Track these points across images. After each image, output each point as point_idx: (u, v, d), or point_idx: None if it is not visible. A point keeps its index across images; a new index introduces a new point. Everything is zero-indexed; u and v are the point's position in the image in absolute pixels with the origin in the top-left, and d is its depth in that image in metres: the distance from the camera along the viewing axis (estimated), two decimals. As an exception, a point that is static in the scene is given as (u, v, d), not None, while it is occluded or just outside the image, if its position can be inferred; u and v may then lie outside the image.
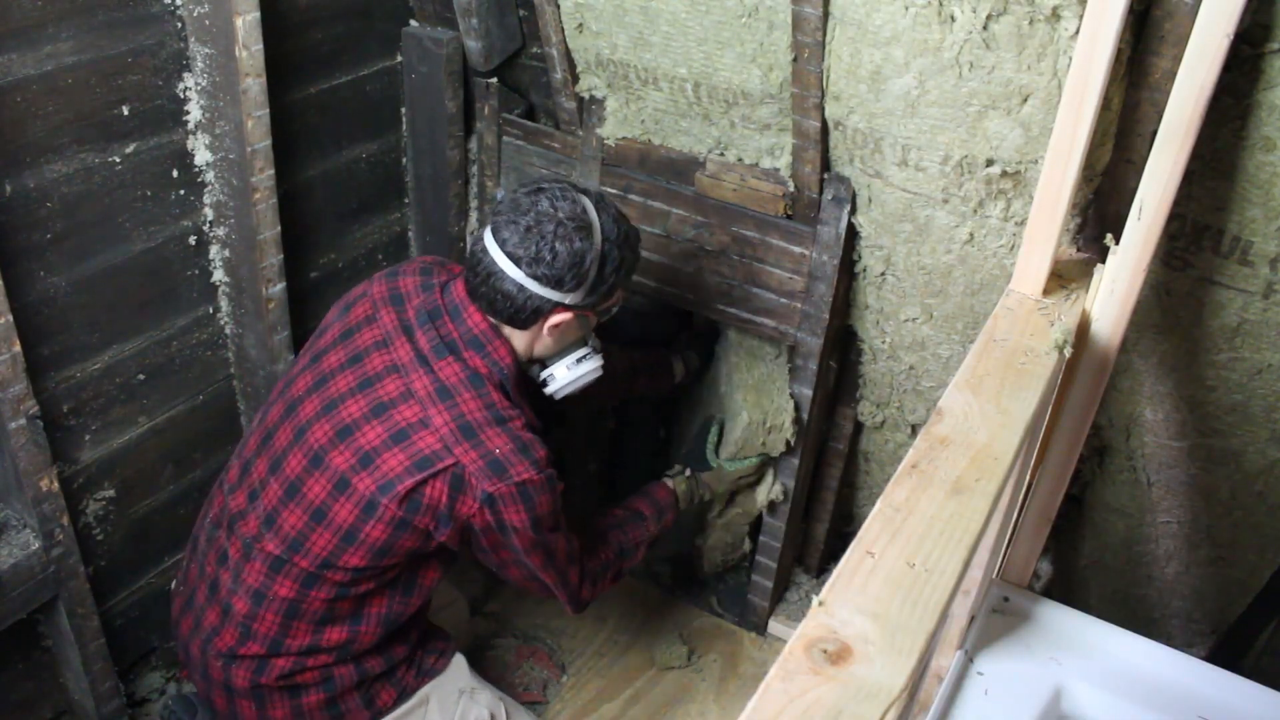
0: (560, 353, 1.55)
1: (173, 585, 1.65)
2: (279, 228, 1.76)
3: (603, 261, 1.44)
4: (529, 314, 1.44)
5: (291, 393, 1.51)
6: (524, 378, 1.54)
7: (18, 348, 1.44)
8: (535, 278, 1.41)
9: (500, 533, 1.45)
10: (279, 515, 1.44)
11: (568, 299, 1.44)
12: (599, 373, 1.57)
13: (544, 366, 1.56)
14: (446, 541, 1.45)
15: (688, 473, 1.94)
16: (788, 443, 1.94)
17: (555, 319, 1.46)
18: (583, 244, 1.41)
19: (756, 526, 2.16)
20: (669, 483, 1.90)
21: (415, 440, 1.40)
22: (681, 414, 2.25)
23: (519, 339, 1.50)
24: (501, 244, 1.41)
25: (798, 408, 1.92)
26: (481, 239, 1.44)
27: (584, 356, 1.56)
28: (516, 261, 1.40)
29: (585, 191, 1.48)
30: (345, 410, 1.44)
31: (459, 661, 1.69)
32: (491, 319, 1.47)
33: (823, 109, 1.62)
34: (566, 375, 1.55)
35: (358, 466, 1.41)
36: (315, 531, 1.42)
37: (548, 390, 1.57)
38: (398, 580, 1.52)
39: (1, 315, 1.41)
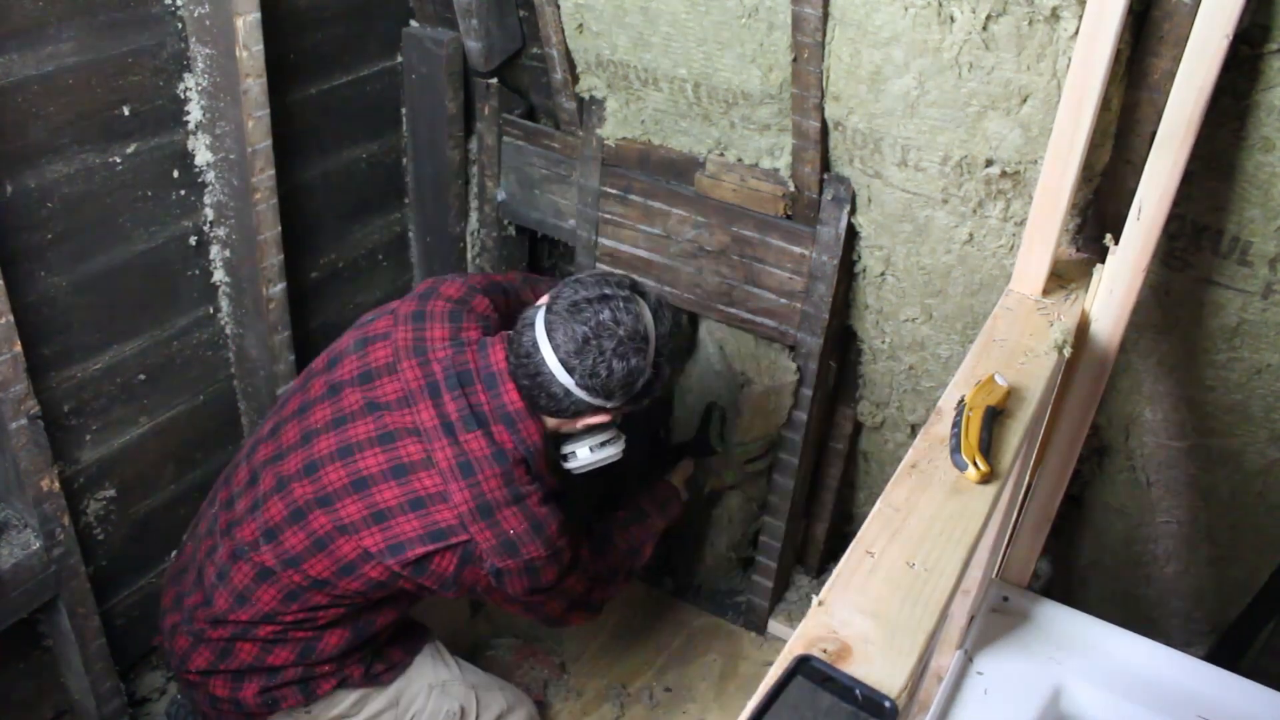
0: (587, 433, 1.55)
1: (173, 554, 1.67)
2: (279, 228, 1.76)
3: (653, 378, 1.44)
4: (570, 413, 1.44)
5: (309, 422, 1.48)
6: (549, 448, 1.54)
7: (18, 348, 1.44)
8: (585, 388, 1.39)
9: (503, 593, 1.48)
10: (281, 533, 1.44)
11: (609, 404, 1.44)
12: (619, 456, 1.58)
13: (565, 440, 1.57)
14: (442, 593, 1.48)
15: (689, 464, 1.94)
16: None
17: (593, 419, 1.47)
18: (639, 362, 1.39)
19: (757, 530, 2.16)
20: (670, 478, 1.91)
21: (432, 511, 1.40)
22: (676, 409, 2.25)
23: (550, 421, 1.49)
24: (555, 348, 1.38)
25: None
26: (533, 332, 1.39)
27: (607, 441, 1.56)
28: (570, 370, 1.38)
29: (644, 294, 1.44)
30: (363, 461, 1.42)
31: (428, 658, 1.69)
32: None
33: (823, 109, 1.62)
34: (589, 457, 1.55)
35: (370, 520, 1.41)
36: (315, 557, 1.43)
37: (566, 466, 1.57)
38: (375, 604, 1.53)
39: (2, 315, 1.41)
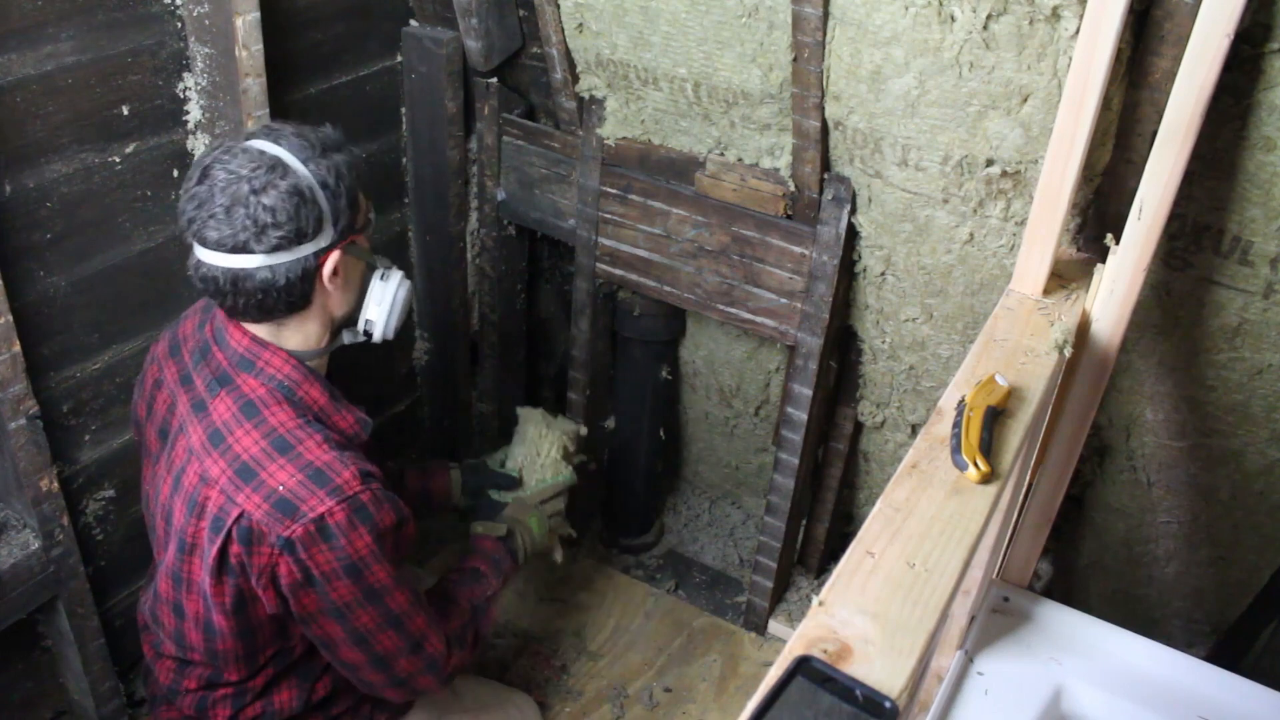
0: (360, 294, 1.38)
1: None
2: (279, 228, 1.76)
3: (324, 183, 1.24)
4: (301, 286, 1.26)
5: (144, 487, 1.45)
6: (325, 375, 1.38)
7: (18, 348, 1.44)
8: (277, 249, 1.21)
9: (313, 587, 1.24)
10: (160, 616, 1.38)
11: (323, 241, 1.26)
12: (409, 284, 1.40)
13: (346, 329, 1.40)
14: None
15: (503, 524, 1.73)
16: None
17: (328, 266, 1.28)
18: (288, 180, 1.21)
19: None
20: (490, 535, 1.70)
21: (204, 502, 1.24)
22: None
23: (310, 322, 1.33)
24: (219, 245, 1.21)
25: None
26: (193, 258, 1.25)
27: (382, 276, 1.38)
28: (244, 249, 1.21)
29: (249, 135, 1.27)
30: (163, 495, 1.32)
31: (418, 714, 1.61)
32: (257, 330, 1.31)
33: (823, 109, 1.62)
34: (382, 309, 1.37)
35: (185, 552, 1.29)
36: (183, 629, 1.35)
37: (377, 336, 1.39)
38: (298, 664, 1.42)
39: (1, 315, 1.41)
